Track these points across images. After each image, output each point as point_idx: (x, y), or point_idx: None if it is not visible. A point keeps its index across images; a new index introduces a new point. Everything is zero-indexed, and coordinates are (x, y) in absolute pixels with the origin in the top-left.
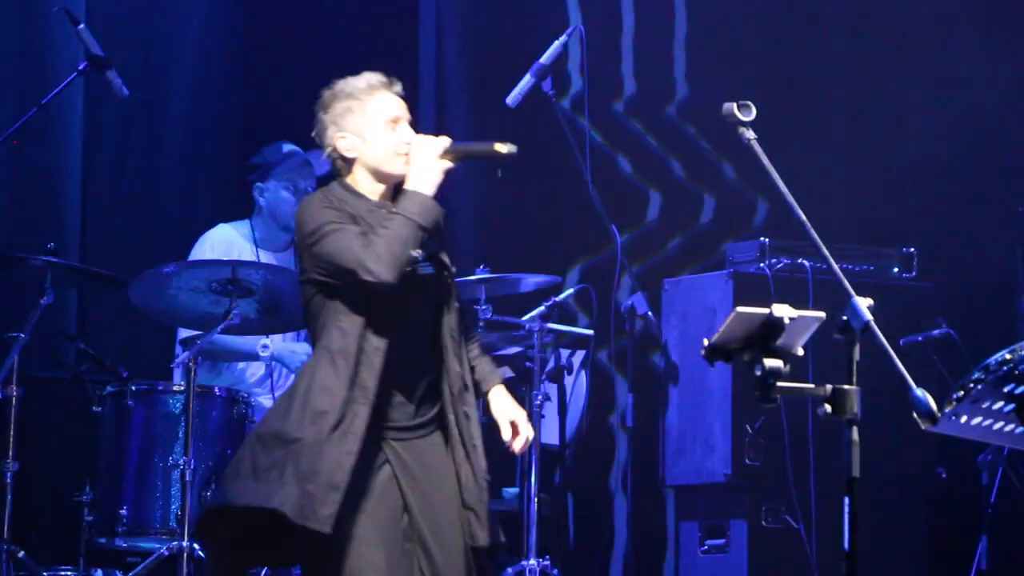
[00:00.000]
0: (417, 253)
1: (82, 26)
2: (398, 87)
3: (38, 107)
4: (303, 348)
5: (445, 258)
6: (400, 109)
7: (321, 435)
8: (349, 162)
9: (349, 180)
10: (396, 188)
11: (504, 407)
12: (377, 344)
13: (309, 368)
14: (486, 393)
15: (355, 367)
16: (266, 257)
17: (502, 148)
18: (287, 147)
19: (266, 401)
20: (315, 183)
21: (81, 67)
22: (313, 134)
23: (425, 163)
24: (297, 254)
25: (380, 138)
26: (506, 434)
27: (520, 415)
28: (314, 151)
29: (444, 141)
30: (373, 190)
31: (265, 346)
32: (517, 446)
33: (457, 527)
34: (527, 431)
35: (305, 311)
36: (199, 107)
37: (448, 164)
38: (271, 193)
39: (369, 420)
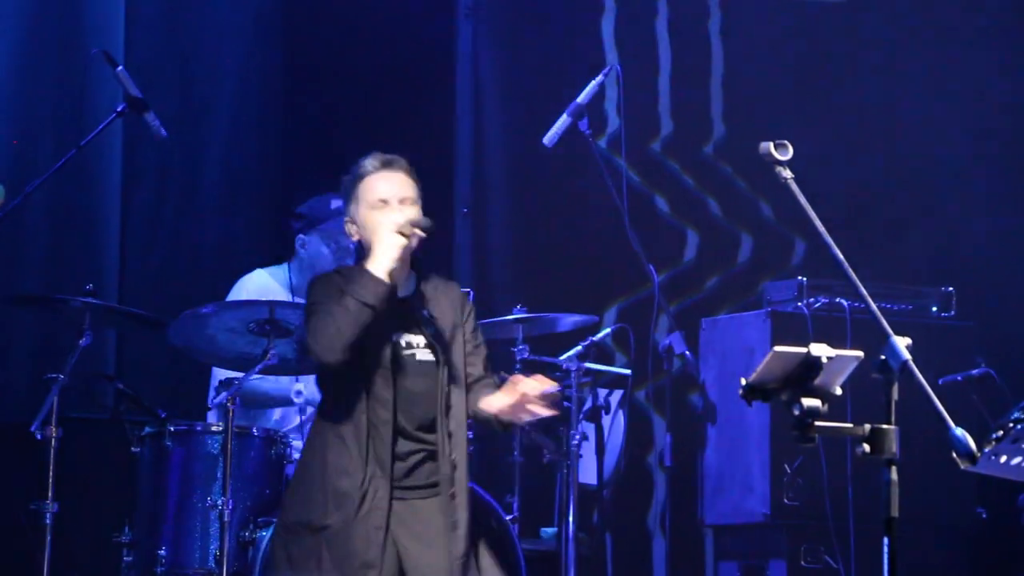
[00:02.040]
0: (413, 340)
1: (120, 68)
2: (397, 164)
3: (77, 148)
4: None
5: (448, 343)
6: (389, 190)
7: (348, 518)
8: (360, 244)
9: (366, 262)
10: (414, 262)
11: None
12: (385, 417)
13: (318, 447)
14: (481, 412)
15: (367, 442)
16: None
17: (425, 225)
18: (335, 202)
19: (297, 445)
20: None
21: (119, 109)
22: None
23: (381, 242)
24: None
25: (368, 222)
26: (506, 402)
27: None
28: None
29: (401, 217)
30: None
31: (299, 392)
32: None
33: None
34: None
35: (319, 377)
36: (237, 148)
37: (402, 240)
38: (312, 247)
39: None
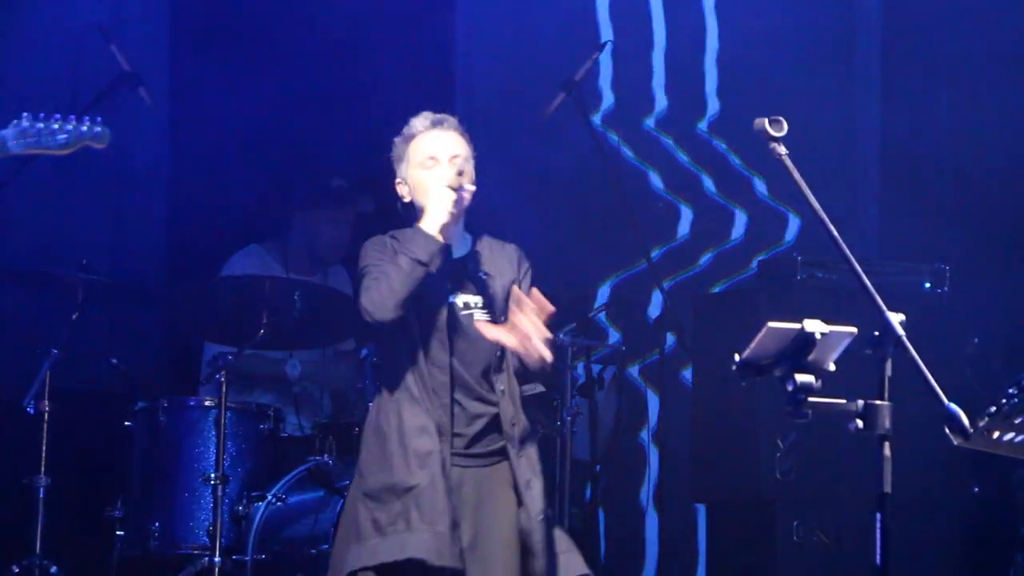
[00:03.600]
0: (470, 300)
1: (113, 42)
2: (448, 123)
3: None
4: (331, 370)
5: (504, 304)
6: (439, 148)
7: (435, 476)
8: (412, 205)
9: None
10: (467, 226)
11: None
12: (442, 379)
13: (390, 409)
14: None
15: (430, 403)
16: (296, 277)
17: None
18: (336, 181)
19: (292, 420)
20: (354, 219)
21: (112, 82)
22: None
23: (433, 200)
24: None
25: (419, 181)
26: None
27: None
28: (358, 191)
29: (452, 173)
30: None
31: (294, 366)
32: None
33: (505, 562)
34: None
35: (377, 342)
36: (231, 122)
37: (453, 195)
38: (311, 224)
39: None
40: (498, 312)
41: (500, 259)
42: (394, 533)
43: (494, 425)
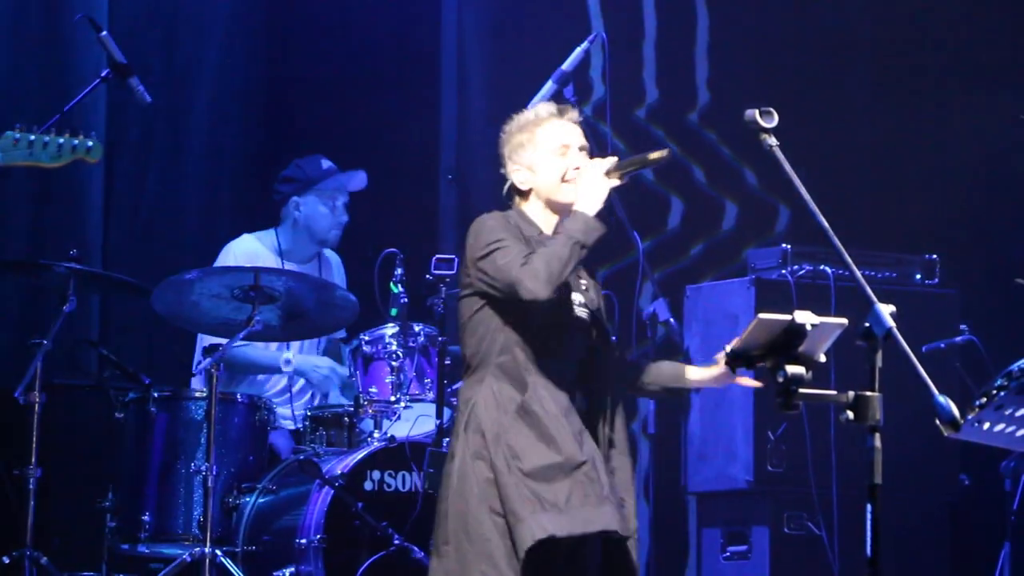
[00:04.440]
0: (575, 297)
1: (104, 33)
2: (571, 114)
3: (60, 114)
4: (325, 362)
5: (603, 310)
6: (570, 136)
7: (594, 451)
8: (525, 194)
9: (525, 209)
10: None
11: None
12: (558, 366)
13: (532, 389)
14: (686, 382)
15: (558, 388)
16: (290, 268)
17: (654, 155)
18: (326, 163)
19: (284, 412)
20: (348, 200)
21: (103, 74)
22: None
23: (589, 184)
24: (458, 268)
25: (548, 168)
26: (719, 371)
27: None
28: (352, 171)
29: (609, 161)
30: (547, 221)
31: (288, 360)
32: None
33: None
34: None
35: (462, 327)
36: (221, 113)
37: (615, 182)
38: (309, 207)
39: None
40: (593, 312)
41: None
42: (571, 508)
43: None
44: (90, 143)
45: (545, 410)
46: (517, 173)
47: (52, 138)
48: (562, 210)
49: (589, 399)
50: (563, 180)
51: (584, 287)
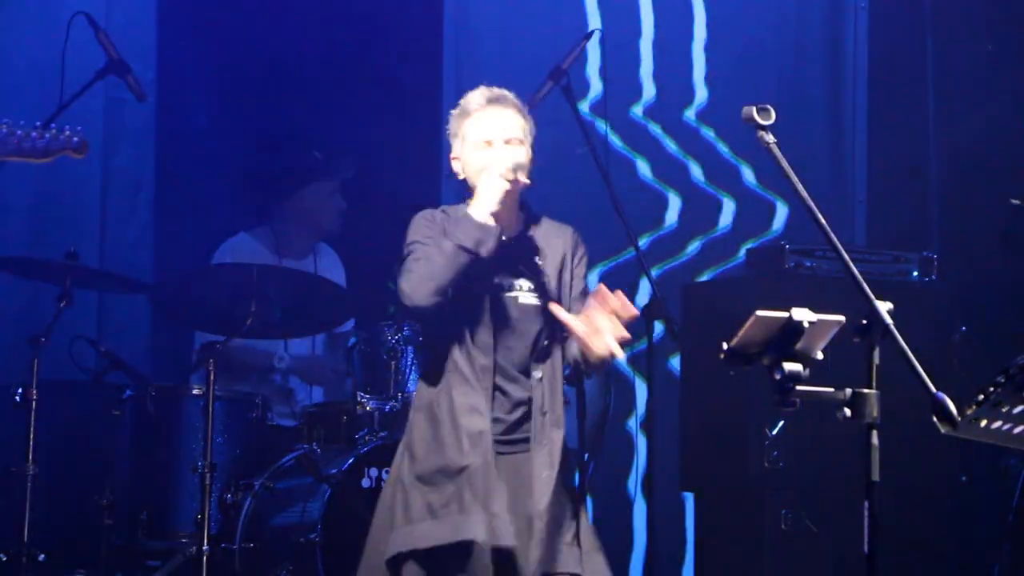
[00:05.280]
0: (516, 283)
1: (101, 30)
2: (503, 102)
3: (57, 110)
4: (320, 360)
5: (554, 288)
6: (493, 130)
7: (487, 456)
8: (465, 183)
9: (471, 200)
10: (522, 206)
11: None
12: (484, 363)
13: (442, 389)
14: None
15: (477, 385)
16: (288, 264)
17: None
18: (319, 154)
19: (281, 409)
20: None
21: (100, 71)
22: None
23: (484, 187)
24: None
25: (472, 161)
26: (586, 326)
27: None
28: (342, 156)
29: (506, 162)
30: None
31: (282, 358)
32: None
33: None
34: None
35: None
36: (218, 112)
37: (506, 185)
38: (314, 198)
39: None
40: (549, 296)
41: (554, 241)
42: (447, 515)
43: (530, 412)
44: (76, 138)
45: (444, 409)
46: (454, 163)
47: (40, 132)
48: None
49: (521, 380)
50: (485, 174)
51: (526, 269)
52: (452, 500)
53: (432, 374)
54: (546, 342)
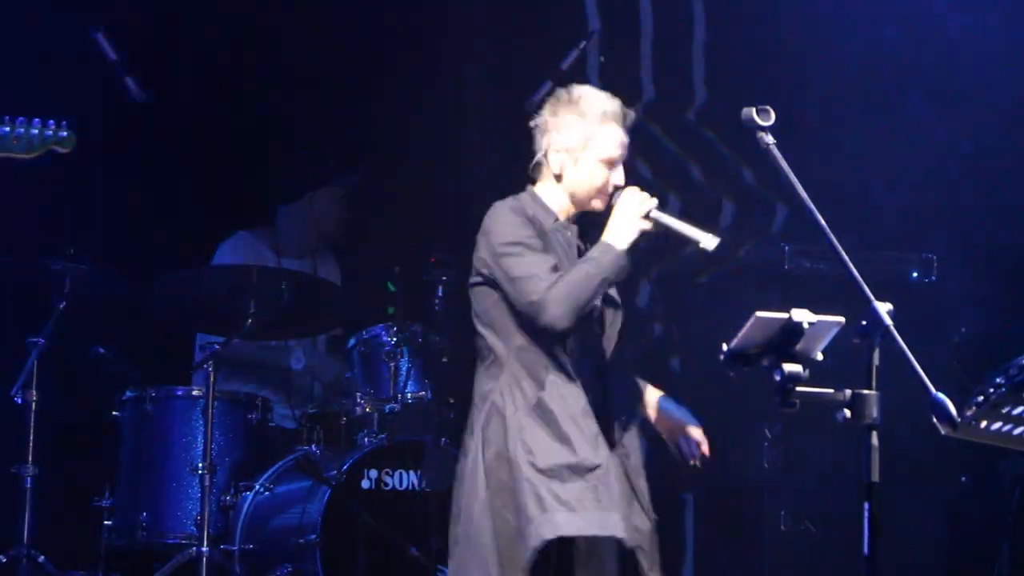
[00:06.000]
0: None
1: (99, 33)
2: (629, 118)
3: (59, 113)
4: (335, 361)
5: (622, 302)
6: (620, 149)
7: (611, 459)
8: (550, 176)
9: (540, 190)
10: (583, 213)
11: (668, 414)
12: (589, 367)
13: (551, 390)
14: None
15: (587, 389)
16: (288, 264)
17: (706, 242)
18: (329, 160)
19: (283, 410)
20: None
21: (100, 73)
22: (532, 124)
23: (627, 220)
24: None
25: (591, 173)
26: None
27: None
28: (351, 166)
29: (651, 203)
30: (562, 208)
31: (299, 359)
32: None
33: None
34: (697, 435)
35: (475, 316)
36: (219, 113)
37: (647, 226)
38: (323, 203)
39: None
40: (619, 308)
41: None
42: (584, 510)
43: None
44: (63, 132)
45: (562, 409)
46: (556, 156)
47: (25, 130)
48: (583, 206)
49: (605, 396)
50: (599, 191)
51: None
52: (584, 496)
53: (533, 374)
54: (623, 351)
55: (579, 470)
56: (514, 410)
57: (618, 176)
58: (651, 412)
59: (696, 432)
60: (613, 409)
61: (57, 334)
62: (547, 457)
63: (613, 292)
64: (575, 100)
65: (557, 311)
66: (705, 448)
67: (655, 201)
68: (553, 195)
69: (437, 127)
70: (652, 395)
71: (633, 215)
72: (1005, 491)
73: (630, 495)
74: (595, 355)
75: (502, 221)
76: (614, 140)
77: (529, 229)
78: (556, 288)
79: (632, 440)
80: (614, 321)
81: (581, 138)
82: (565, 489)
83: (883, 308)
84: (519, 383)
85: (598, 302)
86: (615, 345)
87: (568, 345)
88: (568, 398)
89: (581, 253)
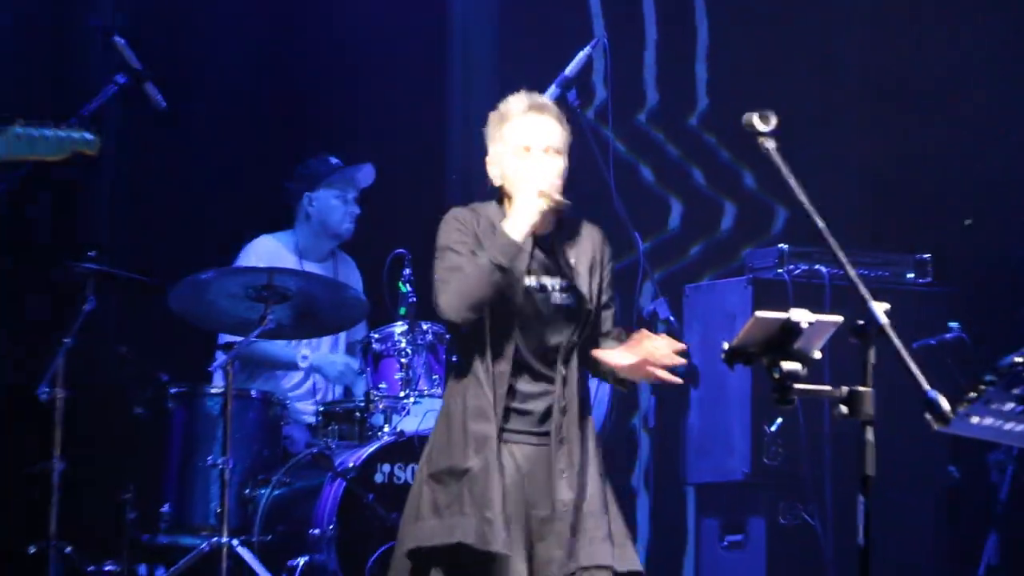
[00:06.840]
0: (548, 283)
1: (118, 38)
2: (544, 110)
3: (77, 118)
4: (341, 358)
5: (587, 289)
6: (533, 136)
7: (488, 463)
8: (502, 188)
9: (506, 202)
10: (556, 213)
11: (616, 355)
12: (503, 368)
13: (458, 391)
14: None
15: (494, 386)
16: (309, 267)
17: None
18: (334, 159)
19: (303, 407)
20: (358, 194)
21: (119, 80)
22: None
23: (523, 204)
24: None
25: (510, 167)
26: (627, 360)
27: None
28: (360, 164)
29: (545, 182)
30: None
31: (305, 356)
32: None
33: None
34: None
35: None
36: (235, 115)
37: (544, 206)
38: (321, 202)
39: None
40: (579, 295)
41: (586, 242)
42: (449, 516)
43: (559, 410)
44: (89, 136)
45: (458, 411)
46: (491, 167)
47: (53, 132)
48: (534, 211)
49: (564, 384)
50: (528, 183)
51: (557, 268)
52: (455, 501)
53: (456, 376)
54: (575, 340)
55: (455, 473)
56: (438, 414)
57: (536, 162)
58: (612, 366)
59: (655, 349)
60: (559, 401)
61: (82, 334)
62: (438, 461)
63: (556, 281)
64: (492, 114)
65: (447, 307)
66: (678, 355)
67: (554, 169)
68: (509, 206)
69: (448, 131)
70: (606, 354)
71: (528, 197)
72: (994, 484)
73: (542, 488)
74: (539, 346)
75: (442, 228)
76: (522, 128)
77: (462, 235)
78: (448, 285)
79: (588, 426)
80: (561, 309)
81: (498, 141)
82: (444, 493)
83: (880, 308)
84: (449, 389)
85: (551, 296)
86: (570, 332)
87: (488, 348)
88: (470, 401)
89: (563, 262)
